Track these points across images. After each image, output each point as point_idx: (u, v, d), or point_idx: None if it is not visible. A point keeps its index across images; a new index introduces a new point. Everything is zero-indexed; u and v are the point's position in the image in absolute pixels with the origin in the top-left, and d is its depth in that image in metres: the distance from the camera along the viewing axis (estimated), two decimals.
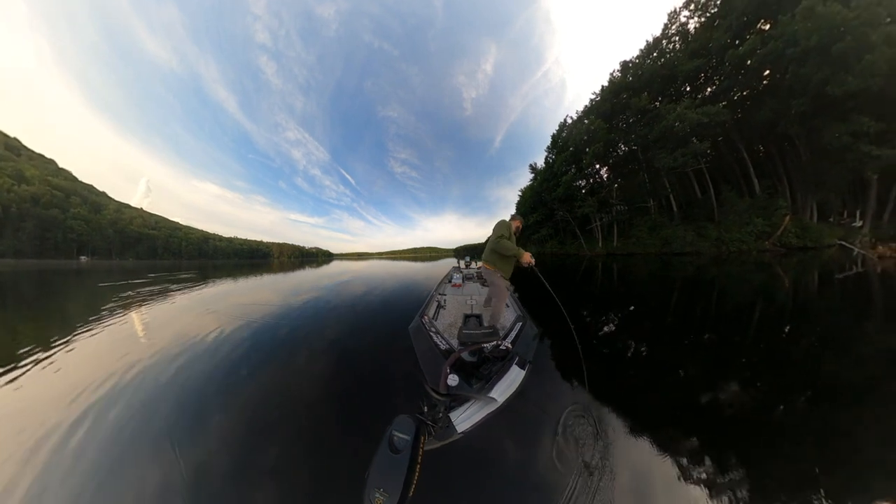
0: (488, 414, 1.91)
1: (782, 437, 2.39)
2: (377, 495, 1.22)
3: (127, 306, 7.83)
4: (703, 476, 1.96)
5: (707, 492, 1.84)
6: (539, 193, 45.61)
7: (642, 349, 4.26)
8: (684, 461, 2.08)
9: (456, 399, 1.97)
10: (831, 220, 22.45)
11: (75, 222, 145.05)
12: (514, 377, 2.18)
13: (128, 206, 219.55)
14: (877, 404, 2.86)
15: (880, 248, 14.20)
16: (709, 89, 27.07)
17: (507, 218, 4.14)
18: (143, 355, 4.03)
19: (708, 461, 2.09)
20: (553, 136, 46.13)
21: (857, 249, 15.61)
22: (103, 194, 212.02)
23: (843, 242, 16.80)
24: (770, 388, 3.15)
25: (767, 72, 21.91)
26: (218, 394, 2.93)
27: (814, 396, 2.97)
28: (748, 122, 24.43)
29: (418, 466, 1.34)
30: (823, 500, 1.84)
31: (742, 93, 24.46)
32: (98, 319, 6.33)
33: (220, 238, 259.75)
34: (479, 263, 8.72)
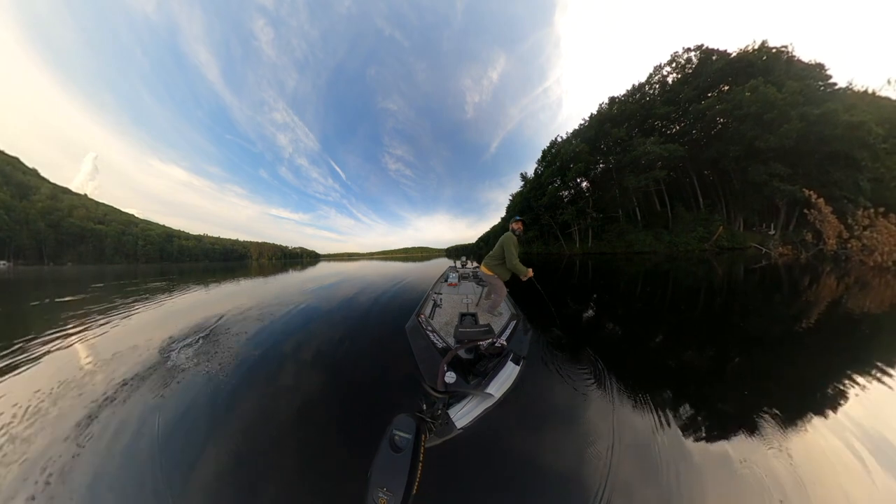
0: (486, 409, 1.87)
1: (728, 374, 2.88)
2: (381, 495, 1.15)
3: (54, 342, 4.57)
4: (691, 429, 2.03)
5: (690, 440, 1.93)
6: (527, 200, 47.63)
7: (619, 330, 4.50)
8: (671, 420, 2.13)
9: (454, 396, 1.91)
10: (754, 229, 27.13)
11: None
12: (509, 373, 2.13)
13: (67, 190, 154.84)
14: (783, 345, 3.65)
15: (781, 248, 18.60)
16: (675, 127, 32.27)
17: (509, 222, 4.05)
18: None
19: (684, 412, 2.22)
20: (544, 151, 48.39)
21: (765, 249, 20.40)
22: (33, 172, 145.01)
23: (756, 245, 22.03)
24: (715, 342, 3.82)
25: (719, 122, 27.35)
26: (212, 402, 2.59)
27: (744, 344, 3.68)
28: (699, 157, 29.58)
29: (420, 464, 1.29)
30: (754, 420, 2.10)
31: (699, 134, 29.77)
32: None
33: (188, 236, 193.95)
34: (475, 263, 9.80)
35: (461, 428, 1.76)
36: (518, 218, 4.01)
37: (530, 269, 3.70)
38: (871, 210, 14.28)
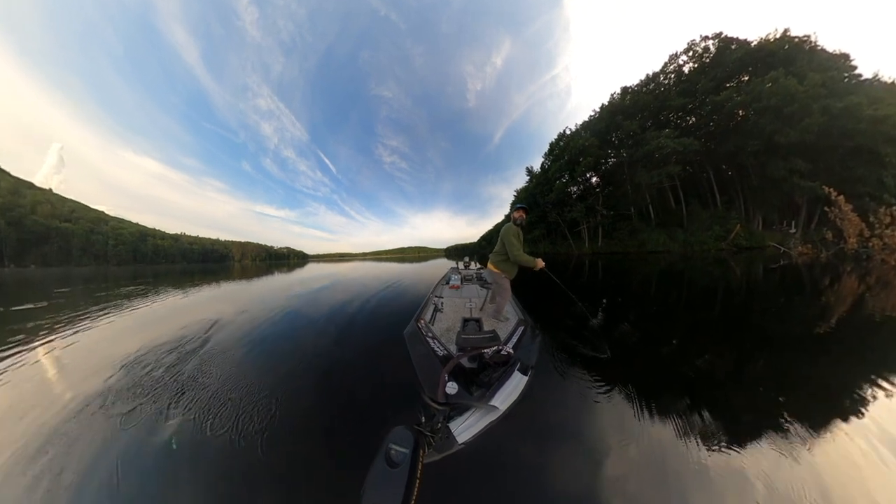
0: (490, 423, 1.76)
1: (753, 382, 2.77)
2: None
3: None
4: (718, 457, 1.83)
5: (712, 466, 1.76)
6: (534, 196, 45.85)
7: (636, 335, 4.23)
8: (698, 433, 2.01)
9: (455, 408, 1.80)
10: (773, 228, 26.55)
11: None
12: (515, 384, 2.01)
13: (30, 184, 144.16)
14: (804, 346, 3.61)
15: (800, 248, 18.16)
16: (691, 120, 31.37)
17: (510, 211, 3.73)
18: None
19: (713, 425, 2.09)
20: (551, 144, 46.86)
21: (783, 249, 19.88)
22: None
23: (775, 244, 21.39)
24: (740, 347, 3.69)
25: (738, 114, 26.58)
26: (195, 415, 2.49)
27: (764, 345, 3.66)
28: (716, 151, 28.80)
29: (418, 481, 1.20)
30: (782, 420, 2.07)
31: (716, 127, 28.89)
32: None
33: (164, 235, 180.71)
34: (478, 265, 9.40)
35: (463, 443, 1.66)
36: (519, 206, 3.68)
37: (539, 260, 3.46)
38: (894, 208, 14.02)
